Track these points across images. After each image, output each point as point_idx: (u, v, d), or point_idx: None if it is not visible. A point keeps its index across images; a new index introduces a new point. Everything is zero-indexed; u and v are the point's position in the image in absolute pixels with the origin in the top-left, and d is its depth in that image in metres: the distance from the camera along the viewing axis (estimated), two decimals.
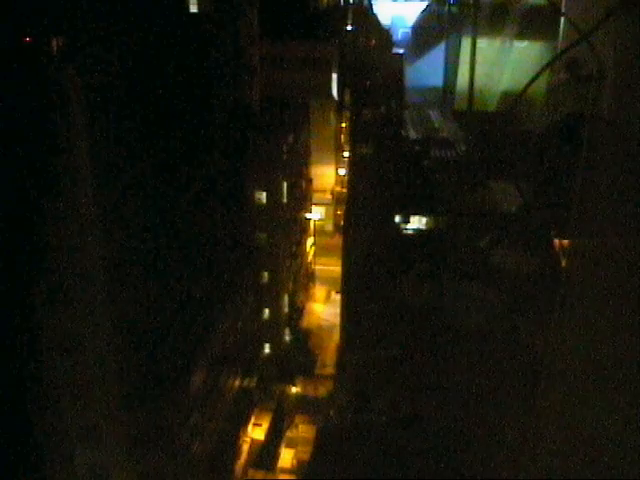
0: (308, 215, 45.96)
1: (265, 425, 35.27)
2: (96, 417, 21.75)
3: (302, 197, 43.47)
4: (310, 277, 47.88)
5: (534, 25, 43.50)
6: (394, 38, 66.59)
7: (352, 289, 31.85)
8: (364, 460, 26.33)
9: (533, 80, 26.92)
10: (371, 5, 65.23)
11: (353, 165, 43.78)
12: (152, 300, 23.01)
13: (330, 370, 38.58)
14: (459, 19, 53.48)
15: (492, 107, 47.22)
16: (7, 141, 16.89)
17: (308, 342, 41.91)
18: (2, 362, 18.60)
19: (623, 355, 14.41)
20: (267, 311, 37.47)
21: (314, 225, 47.70)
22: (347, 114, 53.15)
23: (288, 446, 35.68)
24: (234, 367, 31.69)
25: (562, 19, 36.17)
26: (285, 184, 36.56)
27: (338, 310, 38.75)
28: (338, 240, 45.31)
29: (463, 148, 38.01)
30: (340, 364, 35.11)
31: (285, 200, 36.77)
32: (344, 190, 49.72)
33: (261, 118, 35.62)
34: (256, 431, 34.95)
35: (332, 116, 49.71)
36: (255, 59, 35.11)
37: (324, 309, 46.29)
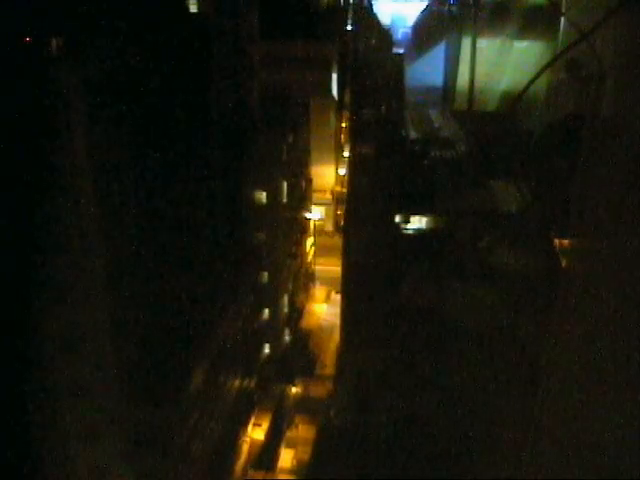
0: (308, 215, 45.95)
1: (265, 425, 35.26)
2: (96, 417, 21.75)
3: (302, 197, 43.46)
4: (310, 277, 47.87)
5: (534, 25, 43.49)
6: (394, 38, 66.48)
7: (352, 289, 31.80)
8: (364, 460, 26.31)
9: (533, 80, 26.94)
10: (371, 5, 65.17)
11: (353, 165, 43.73)
12: (152, 300, 23.00)
13: (330, 370, 38.56)
14: (459, 19, 53.44)
15: (492, 107, 47.21)
16: (7, 141, 16.89)
17: (308, 342, 41.90)
18: (2, 362, 18.60)
19: (623, 355, 14.41)
20: (267, 311, 37.46)
21: (314, 225, 47.69)
22: (347, 114, 53.11)
23: (288, 446, 35.68)
24: (234, 367, 31.69)
25: (562, 19, 36.18)
26: (285, 184, 36.54)
27: (338, 310, 38.72)
28: (338, 240, 45.33)
29: (463, 148, 37.97)
30: (340, 364, 35.08)
31: (285, 200, 36.75)
32: (344, 190, 49.68)
33: (261, 118, 35.62)
34: (256, 431, 34.94)
35: (332, 116, 49.69)
36: (255, 59, 35.11)
37: (324, 309, 46.28)
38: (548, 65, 32.42)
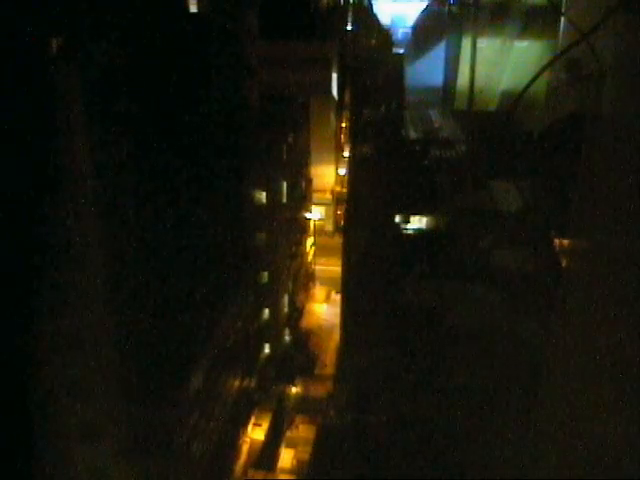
0: (308, 215, 45.95)
1: (265, 425, 35.26)
2: (96, 417, 21.75)
3: (302, 197, 43.46)
4: (310, 277, 47.87)
5: (534, 25, 43.51)
6: (394, 38, 66.58)
7: (352, 289, 31.83)
8: (364, 460, 26.33)
9: (533, 80, 26.93)
10: (371, 5, 65.22)
11: (353, 165, 43.77)
12: (152, 300, 23.01)
13: (330, 370, 38.57)
14: (459, 19, 53.47)
15: (492, 107, 47.24)
16: (6, 141, 16.88)
17: (308, 342, 41.90)
18: (2, 362, 18.59)
19: (624, 355, 14.41)
20: (267, 311, 37.47)
21: (314, 225, 47.69)
22: (347, 114, 53.13)
23: (288, 446, 35.66)
24: (234, 367, 31.69)
25: (562, 19, 36.18)
26: (285, 184, 36.53)
27: (338, 310, 38.73)
28: (338, 240, 45.35)
29: (463, 148, 37.99)
30: (340, 364, 35.11)
31: (285, 200, 36.74)
32: (344, 190, 49.71)
33: (261, 118, 35.61)
34: (256, 431, 34.93)
35: (332, 116, 49.70)
36: (255, 59, 35.10)
37: (324, 309, 46.28)
38: (548, 65, 32.41)
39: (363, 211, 32.94)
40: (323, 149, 48.90)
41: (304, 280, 45.46)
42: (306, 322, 44.23)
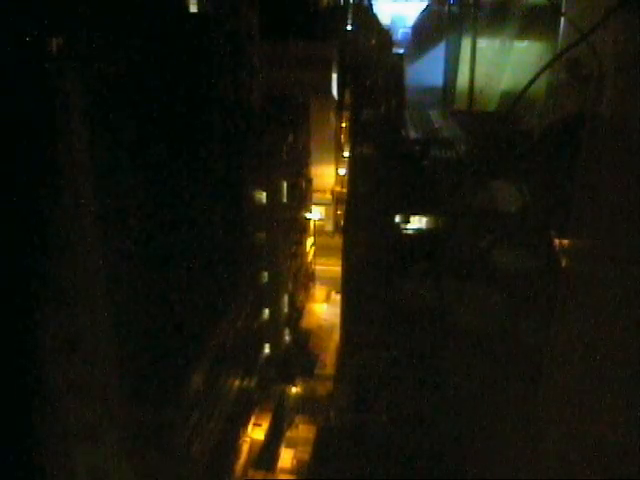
0: (308, 215, 45.97)
1: (265, 425, 35.27)
2: (96, 417, 21.76)
3: (302, 197, 43.48)
4: (310, 277, 47.87)
5: (534, 25, 43.43)
6: (394, 38, 66.50)
7: (352, 289, 31.80)
8: (364, 460, 26.31)
9: (533, 80, 26.89)
10: (371, 5, 65.16)
11: (353, 165, 43.72)
12: (152, 300, 23.02)
13: (330, 370, 38.57)
14: (459, 19, 53.43)
15: (492, 107, 47.16)
16: (6, 141, 16.89)
17: (308, 342, 41.91)
18: (2, 362, 18.61)
19: (623, 355, 14.41)
20: (267, 311, 37.48)
21: (314, 225, 47.69)
22: (347, 114, 53.12)
23: (288, 446, 35.67)
24: (234, 367, 31.69)
25: (562, 19, 36.12)
26: (285, 184, 36.57)
27: (338, 310, 38.70)
28: (338, 240, 45.31)
29: (463, 148, 37.93)
30: (340, 364, 35.07)
31: (285, 200, 36.77)
32: (344, 190, 49.69)
33: (261, 118, 35.64)
34: (256, 431, 34.95)
35: (332, 116, 49.69)
36: (255, 59, 35.12)
37: (324, 309, 46.27)
38: (548, 65, 32.33)
39: (363, 211, 32.91)
40: (323, 149, 48.90)
41: (304, 280, 45.46)
42: (306, 322, 44.23)
